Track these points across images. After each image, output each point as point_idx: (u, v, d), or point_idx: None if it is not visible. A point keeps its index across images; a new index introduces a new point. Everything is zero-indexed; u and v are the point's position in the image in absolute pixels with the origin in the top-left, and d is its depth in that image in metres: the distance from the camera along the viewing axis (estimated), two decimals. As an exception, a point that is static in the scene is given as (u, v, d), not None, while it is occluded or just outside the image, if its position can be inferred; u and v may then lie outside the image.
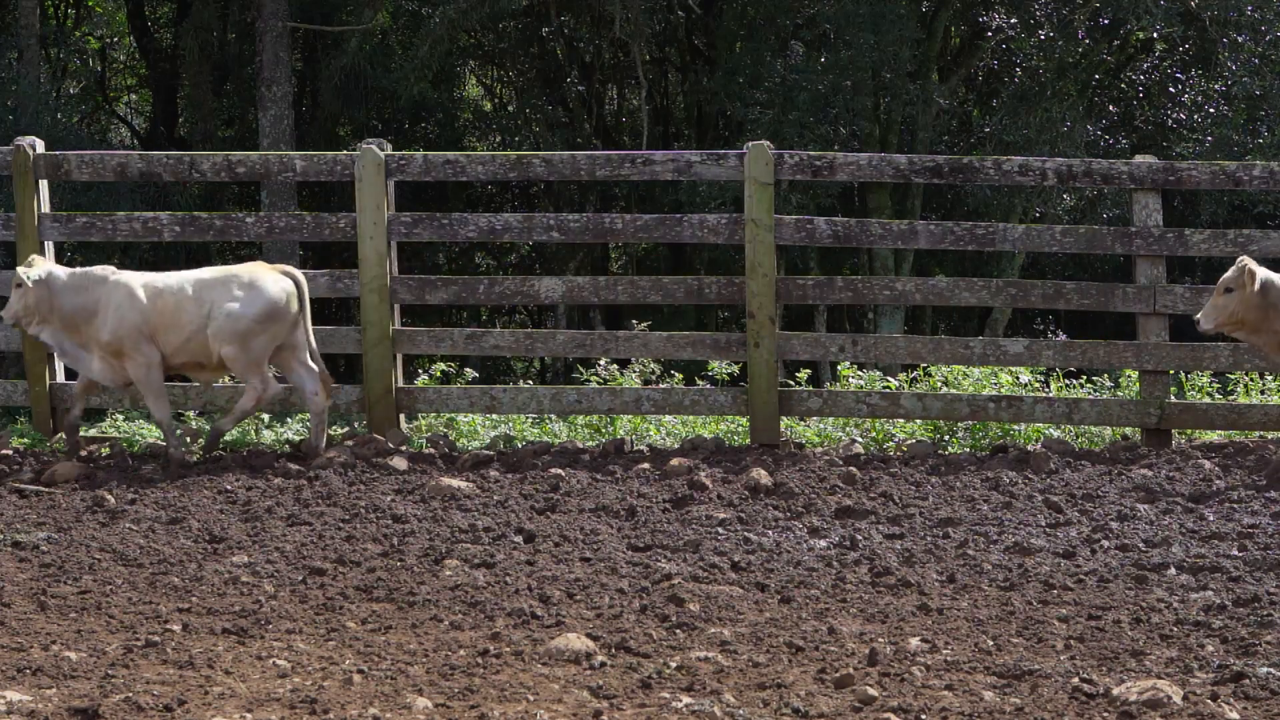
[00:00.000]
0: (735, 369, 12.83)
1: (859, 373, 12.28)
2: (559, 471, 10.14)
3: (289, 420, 12.11)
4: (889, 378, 12.29)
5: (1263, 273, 9.98)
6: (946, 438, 11.52)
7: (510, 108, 26.01)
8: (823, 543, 8.48)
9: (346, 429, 11.73)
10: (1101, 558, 8.09)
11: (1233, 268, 10.04)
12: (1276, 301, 9.97)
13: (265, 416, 12.06)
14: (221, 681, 6.21)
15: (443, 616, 7.15)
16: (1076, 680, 6.12)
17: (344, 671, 6.33)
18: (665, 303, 12.00)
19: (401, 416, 11.55)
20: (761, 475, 9.84)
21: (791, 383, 12.30)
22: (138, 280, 10.57)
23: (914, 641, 6.68)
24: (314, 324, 10.84)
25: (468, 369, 12.72)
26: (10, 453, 10.99)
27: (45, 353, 11.54)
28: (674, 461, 10.34)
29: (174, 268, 19.67)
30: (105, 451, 11.09)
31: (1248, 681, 6.09)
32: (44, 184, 11.65)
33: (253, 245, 22.55)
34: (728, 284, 11.44)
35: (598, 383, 12.18)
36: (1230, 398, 12.32)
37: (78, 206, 18.28)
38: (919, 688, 6.13)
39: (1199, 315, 10.13)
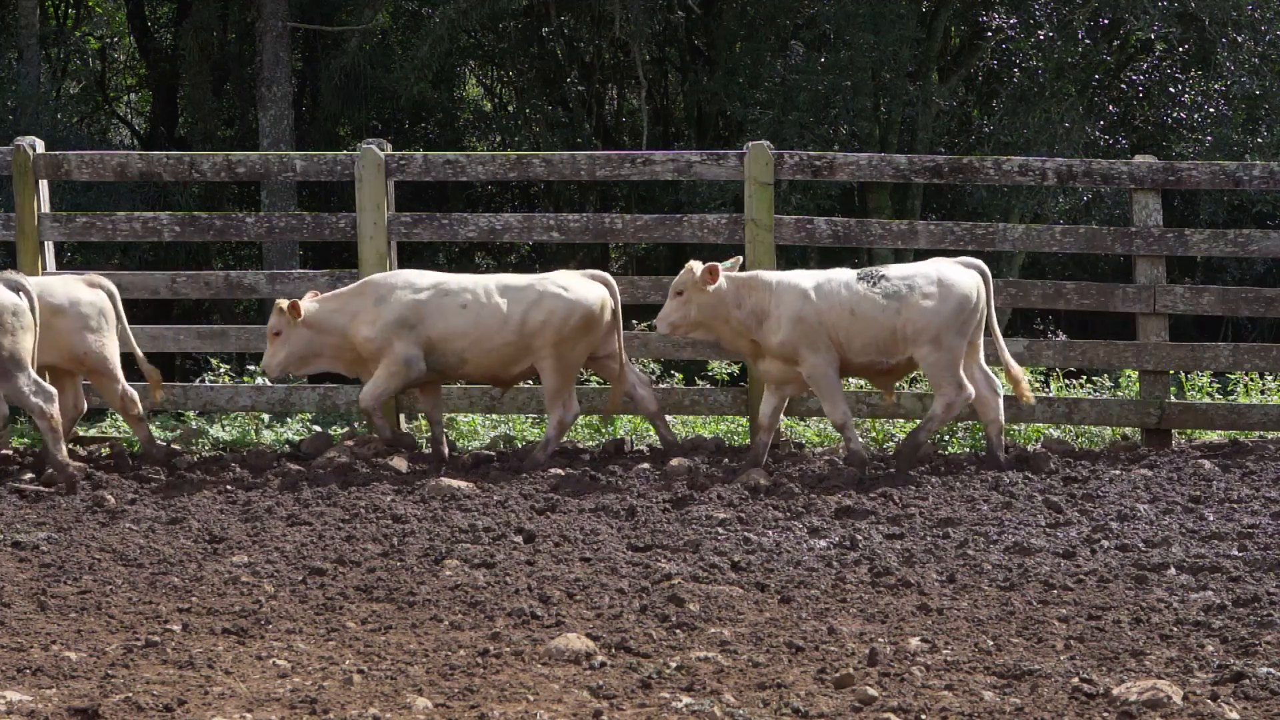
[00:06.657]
0: (735, 369, 12.82)
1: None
2: (559, 471, 10.14)
3: (289, 420, 12.11)
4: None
5: None
6: (946, 438, 11.51)
7: (510, 108, 25.97)
8: (823, 543, 8.48)
9: (346, 429, 11.74)
10: (1101, 558, 8.09)
11: None
12: None
13: (265, 416, 12.06)
14: (221, 681, 6.21)
15: (443, 616, 7.15)
16: (1076, 680, 6.12)
17: (344, 671, 6.33)
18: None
19: (401, 416, 11.55)
20: (761, 475, 9.84)
21: (791, 383, 12.29)
22: None
23: (914, 641, 6.68)
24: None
25: (468, 369, 12.71)
26: (10, 453, 10.99)
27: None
28: (674, 461, 10.34)
29: (174, 268, 19.75)
30: (105, 451, 11.09)
31: (1248, 681, 6.08)
32: (44, 184, 11.65)
33: (253, 245, 22.53)
34: (728, 284, 11.44)
35: (598, 383, 12.18)
36: (1230, 398, 12.33)
37: (78, 206, 18.25)
38: (919, 688, 6.13)
39: None
